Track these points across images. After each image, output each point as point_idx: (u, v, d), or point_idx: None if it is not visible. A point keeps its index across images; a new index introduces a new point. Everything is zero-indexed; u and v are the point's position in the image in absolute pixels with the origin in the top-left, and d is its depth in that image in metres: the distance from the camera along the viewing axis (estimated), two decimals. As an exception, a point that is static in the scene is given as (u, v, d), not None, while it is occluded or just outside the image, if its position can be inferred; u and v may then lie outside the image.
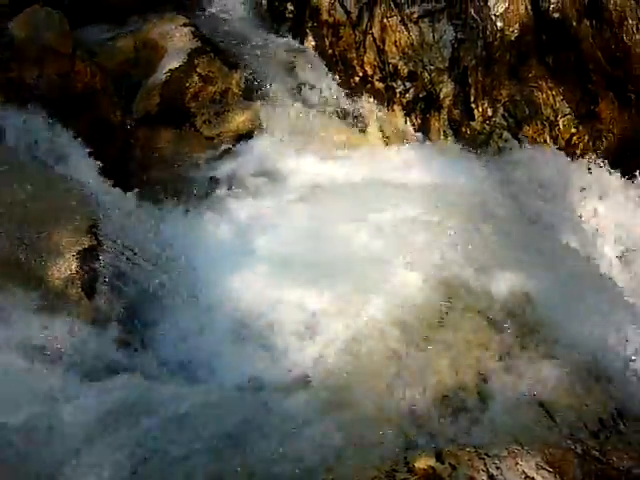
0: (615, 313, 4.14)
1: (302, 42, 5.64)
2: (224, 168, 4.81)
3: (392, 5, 5.49)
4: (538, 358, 3.65)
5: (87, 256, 3.62)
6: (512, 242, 4.30)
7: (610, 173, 5.83)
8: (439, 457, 2.66)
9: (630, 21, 5.41)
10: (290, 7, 5.78)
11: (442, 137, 5.51)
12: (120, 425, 2.78)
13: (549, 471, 2.54)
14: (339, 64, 5.57)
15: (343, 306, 3.75)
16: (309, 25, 5.68)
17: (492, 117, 5.62)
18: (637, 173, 6.05)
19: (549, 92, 5.81)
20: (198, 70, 5.13)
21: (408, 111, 5.49)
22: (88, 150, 4.46)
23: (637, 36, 5.44)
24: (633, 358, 4.00)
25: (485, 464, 2.64)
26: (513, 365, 3.58)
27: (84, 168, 4.43)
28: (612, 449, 2.77)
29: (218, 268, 4.00)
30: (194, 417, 2.88)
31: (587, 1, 5.56)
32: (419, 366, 3.49)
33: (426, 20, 5.45)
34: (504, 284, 3.94)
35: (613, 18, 5.44)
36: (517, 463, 2.62)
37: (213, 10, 5.83)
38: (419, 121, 5.53)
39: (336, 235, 4.20)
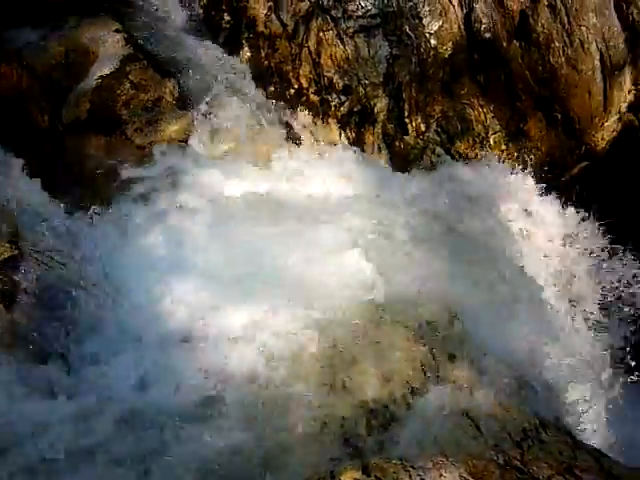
0: (540, 325, 4.27)
1: (238, 53, 5.59)
2: (153, 178, 4.71)
3: (328, 19, 5.52)
4: (465, 370, 3.71)
5: (6, 266, 3.47)
6: (440, 256, 4.37)
7: (537, 188, 6.04)
8: (365, 470, 2.65)
9: (556, 44, 5.61)
10: (227, 17, 5.74)
11: (376, 151, 5.56)
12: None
13: (472, 483, 2.57)
14: (275, 76, 5.56)
15: (273, 321, 3.72)
16: (245, 36, 5.65)
17: (425, 132, 5.72)
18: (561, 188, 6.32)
19: (480, 109, 5.96)
20: (130, 77, 5.02)
21: (343, 124, 5.53)
22: (13, 155, 4.30)
23: (563, 58, 5.65)
24: (556, 369, 4.14)
25: (410, 476, 2.65)
26: (440, 377, 3.63)
27: (8, 174, 4.27)
28: (533, 459, 2.82)
29: (146, 279, 3.92)
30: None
31: (517, 22, 5.71)
32: (348, 380, 3.50)
33: (362, 35, 5.51)
34: (431, 298, 4.00)
35: (540, 40, 5.64)
36: (441, 475, 2.64)
37: (148, 17, 5.72)
38: (354, 135, 5.57)
39: (265, 248, 4.18)
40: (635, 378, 5.22)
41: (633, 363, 5.23)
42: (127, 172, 4.71)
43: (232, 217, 4.47)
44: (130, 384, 3.32)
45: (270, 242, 4.21)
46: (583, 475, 2.76)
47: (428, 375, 3.61)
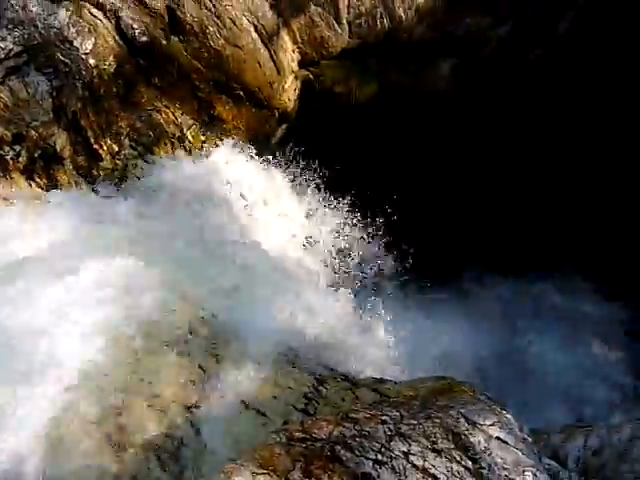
0: (292, 301, 4.44)
1: None
2: None
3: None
4: (236, 366, 3.77)
5: None
6: (175, 266, 4.34)
7: (253, 161, 6.26)
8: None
9: (211, 28, 5.75)
10: None
11: (75, 187, 5.29)
12: None
13: (264, 473, 2.62)
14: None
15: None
16: None
17: (120, 151, 5.58)
18: (272, 156, 6.62)
19: (167, 110, 5.95)
20: None
21: (29, 174, 5.16)
22: None
23: (221, 40, 5.82)
24: (319, 326, 4.38)
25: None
26: (215, 383, 3.65)
27: None
28: (313, 422, 2.96)
29: None
30: None
31: (168, 19, 5.73)
32: (125, 421, 3.36)
33: (14, 78, 5.13)
34: (181, 311, 3.97)
35: (195, 29, 5.74)
36: (234, 480, 2.67)
37: None
38: (45, 180, 5.25)
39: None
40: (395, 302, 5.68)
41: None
42: None
43: None
44: None
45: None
46: (360, 414, 2.97)
47: (202, 386, 3.61)
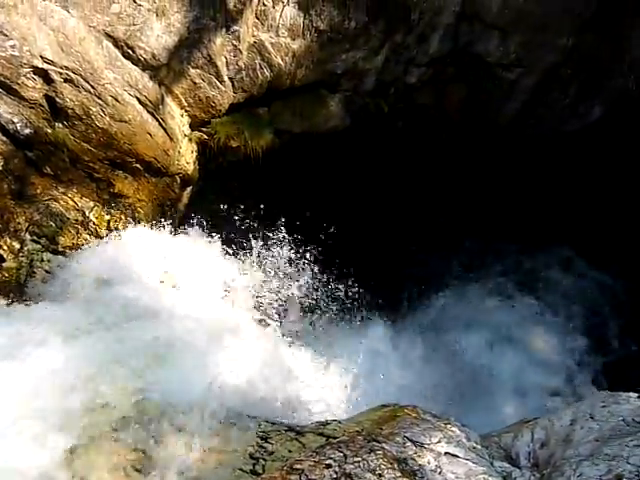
0: (222, 362, 4.40)
1: None
2: None
3: None
4: (176, 441, 3.69)
5: None
6: (98, 355, 4.23)
7: (162, 231, 6.23)
8: None
9: (94, 109, 5.74)
10: None
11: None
12: None
13: None
14: None
15: None
16: None
17: (22, 248, 5.44)
18: (181, 221, 6.61)
19: (65, 197, 5.87)
20: None
21: None
22: None
23: (107, 118, 5.81)
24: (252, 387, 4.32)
25: None
26: (157, 464, 3.55)
27: None
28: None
29: None
30: None
31: (48, 107, 5.67)
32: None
33: None
34: (110, 399, 3.86)
35: (78, 112, 5.70)
36: None
37: None
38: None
39: None
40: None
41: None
42: None
43: None
44: None
45: None
46: (305, 463, 2.95)
47: (143, 470, 3.51)
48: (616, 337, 8.01)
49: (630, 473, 2.90)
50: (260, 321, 5.50)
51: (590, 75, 7.94)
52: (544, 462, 3.65)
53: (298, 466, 2.87)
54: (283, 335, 5.51)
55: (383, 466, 2.78)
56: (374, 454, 2.87)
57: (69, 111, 5.67)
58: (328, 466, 2.79)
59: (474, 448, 3.73)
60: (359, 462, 2.80)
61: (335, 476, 2.69)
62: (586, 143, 8.43)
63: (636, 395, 3.70)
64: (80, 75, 5.58)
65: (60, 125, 5.73)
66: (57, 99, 5.59)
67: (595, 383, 7.44)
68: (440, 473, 3.16)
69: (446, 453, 3.47)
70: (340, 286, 6.50)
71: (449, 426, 3.80)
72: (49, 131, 5.70)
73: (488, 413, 6.65)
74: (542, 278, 8.64)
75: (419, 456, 3.26)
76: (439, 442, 3.51)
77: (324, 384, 4.94)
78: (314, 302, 6.60)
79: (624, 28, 7.81)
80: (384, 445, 3.07)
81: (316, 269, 6.35)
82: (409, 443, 3.38)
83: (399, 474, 2.77)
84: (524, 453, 3.85)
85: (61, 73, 5.44)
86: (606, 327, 8.15)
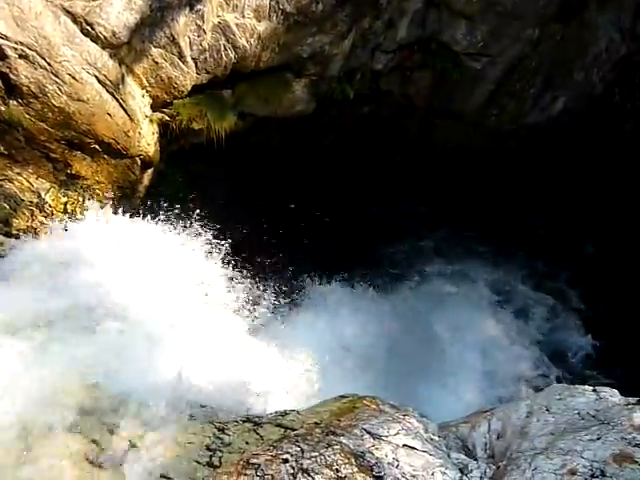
0: (181, 352, 4.32)
1: None
2: None
3: None
4: (132, 433, 3.61)
5: None
6: (55, 344, 4.10)
7: (121, 214, 6.09)
8: None
9: (50, 87, 5.53)
10: None
11: None
12: None
13: None
14: None
15: None
16: None
17: (-27, 231, 5.25)
18: (141, 204, 6.47)
19: (20, 178, 5.68)
20: None
21: None
22: None
23: (64, 97, 5.61)
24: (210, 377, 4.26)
25: None
26: (113, 456, 3.48)
27: None
28: (216, 476, 2.87)
29: None
30: None
31: (2, 84, 5.45)
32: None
33: None
34: (65, 388, 3.76)
35: (34, 90, 5.49)
36: None
37: None
38: None
39: None
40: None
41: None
42: None
43: None
44: None
45: None
46: (261, 457, 2.91)
47: (99, 463, 3.43)
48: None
49: (584, 467, 2.93)
50: (219, 306, 5.40)
51: (555, 67, 8.00)
52: (500, 454, 3.68)
53: (254, 460, 2.83)
54: (243, 321, 5.44)
55: (340, 461, 2.76)
56: (331, 449, 2.85)
57: (24, 88, 5.45)
58: (285, 461, 2.76)
59: (431, 440, 3.74)
60: (316, 457, 2.77)
61: (292, 471, 2.66)
62: (547, 136, 8.52)
63: (591, 389, 3.75)
64: (36, 51, 5.36)
65: (15, 103, 5.52)
66: (11, 75, 5.37)
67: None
68: (397, 466, 3.16)
69: (404, 445, 3.47)
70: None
71: (407, 417, 3.80)
72: (2, 109, 5.49)
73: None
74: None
75: (377, 449, 3.25)
76: (397, 434, 3.51)
77: (286, 370, 4.90)
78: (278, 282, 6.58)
79: (589, 20, 7.88)
80: (342, 439, 3.05)
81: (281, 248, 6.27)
82: (367, 435, 3.37)
83: (356, 469, 2.75)
84: (480, 444, 3.87)
85: (16, 49, 5.22)
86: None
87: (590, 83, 8.17)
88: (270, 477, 2.66)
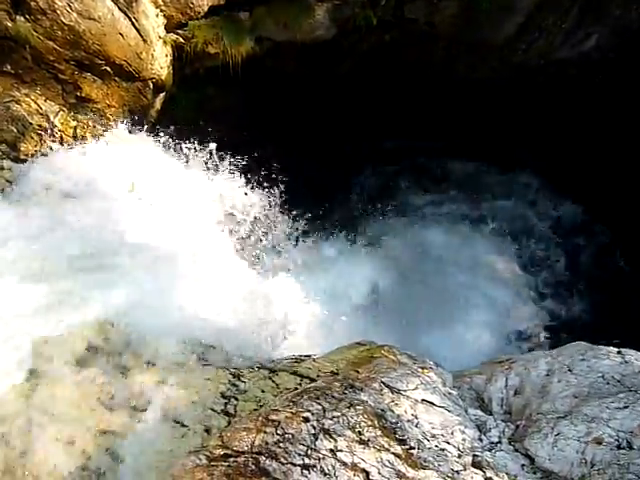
0: (196, 292, 4.20)
1: None
2: None
3: None
4: (145, 376, 3.54)
5: None
6: (66, 278, 3.97)
7: (133, 138, 5.88)
8: None
9: (60, 3, 5.21)
10: None
11: None
12: None
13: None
14: None
15: None
16: None
17: (-19, 155, 5.06)
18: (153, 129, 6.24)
19: (28, 99, 5.44)
20: None
21: None
22: None
23: (74, 14, 5.30)
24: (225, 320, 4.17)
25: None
26: (125, 400, 3.42)
27: None
28: (234, 432, 2.80)
29: None
30: None
31: (17, -1, 5.14)
32: (31, 469, 3.09)
33: None
34: (75, 326, 3.66)
35: (42, 6, 5.18)
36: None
37: None
38: None
39: None
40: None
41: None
42: None
43: None
44: None
45: None
46: (281, 414, 2.84)
47: (111, 406, 3.37)
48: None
49: (610, 437, 2.86)
50: (230, 234, 5.24)
51: (590, 1, 7.54)
52: (517, 411, 3.63)
53: (274, 417, 2.76)
54: (250, 256, 5.31)
55: (363, 423, 2.69)
56: (354, 409, 2.77)
57: (32, 3, 5.14)
58: (306, 420, 2.68)
59: (449, 394, 3.68)
60: (338, 418, 2.70)
61: (314, 432, 2.59)
62: (576, 73, 8.14)
63: (616, 350, 3.65)
64: (45, -37, 5.01)
65: (22, 19, 5.21)
66: (11, -10, 5.04)
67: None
68: (417, 425, 3.09)
69: (423, 400, 3.41)
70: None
71: (425, 371, 3.73)
72: (9, 24, 5.19)
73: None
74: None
75: (396, 404, 3.18)
76: (416, 389, 3.44)
77: (300, 312, 4.81)
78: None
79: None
80: (362, 395, 2.97)
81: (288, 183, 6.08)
82: (386, 390, 3.30)
83: (379, 432, 2.68)
84: (497, 399, 3.81)
85: (23, -41, 4.87)
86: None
87: (627, 18, 7.71)
88: (291, 436, 2.58)
